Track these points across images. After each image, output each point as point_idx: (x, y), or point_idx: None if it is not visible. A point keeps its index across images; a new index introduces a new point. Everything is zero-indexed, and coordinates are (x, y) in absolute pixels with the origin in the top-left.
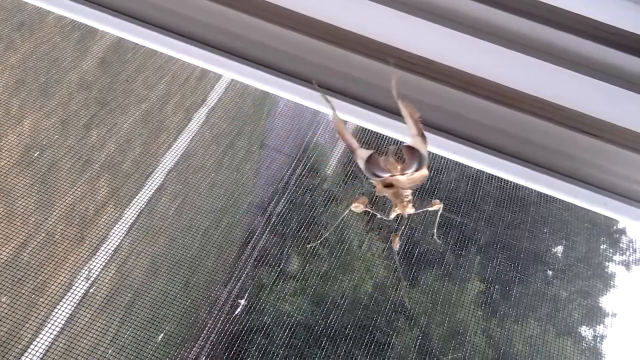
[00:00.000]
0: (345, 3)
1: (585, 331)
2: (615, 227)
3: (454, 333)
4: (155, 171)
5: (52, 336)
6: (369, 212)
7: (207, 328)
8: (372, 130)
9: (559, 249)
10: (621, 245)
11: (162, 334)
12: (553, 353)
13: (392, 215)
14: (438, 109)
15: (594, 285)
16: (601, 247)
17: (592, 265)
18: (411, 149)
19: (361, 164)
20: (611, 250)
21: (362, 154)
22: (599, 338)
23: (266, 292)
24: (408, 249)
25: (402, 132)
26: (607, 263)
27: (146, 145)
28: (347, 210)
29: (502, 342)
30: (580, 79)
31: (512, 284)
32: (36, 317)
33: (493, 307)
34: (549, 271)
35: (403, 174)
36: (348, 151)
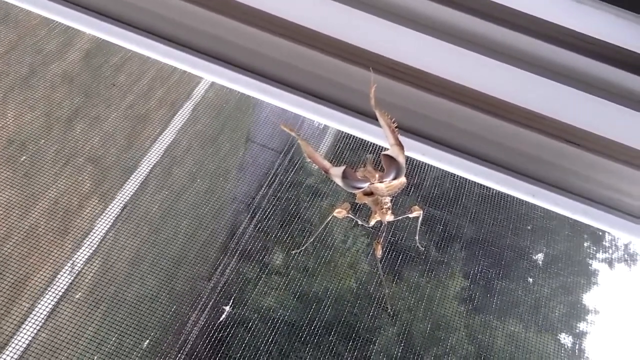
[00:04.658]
0: (328, 9)
1: (568, 328)
2: None
3: (437, 329)
4: (140, 165)
5: (34, 330)
6: (352, 218)
7: (188, 330)
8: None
9: (542, 246)
10: (604, 243)
11: (147, 341)
12: (534, 349)
13: (372, 223)
14: (422, 116)
15: (576, 282)
16: (584, 244)
17: (574, 262)
18: (389, 158)
19: (338, 181)
20: (594, 248)
21: (336, 171)
22: (581, 335)
23: (249, 287)
24: (392, 244)
25: (383, 138)
26: (589, 260)
27: (130, 138)
28: (330, 217)
29: (484, 338)
30: (563, 89)
31: (495, 280)
32: (18, 311)
33: (475, 304)
34: (531, 268)
35: (382, 182)
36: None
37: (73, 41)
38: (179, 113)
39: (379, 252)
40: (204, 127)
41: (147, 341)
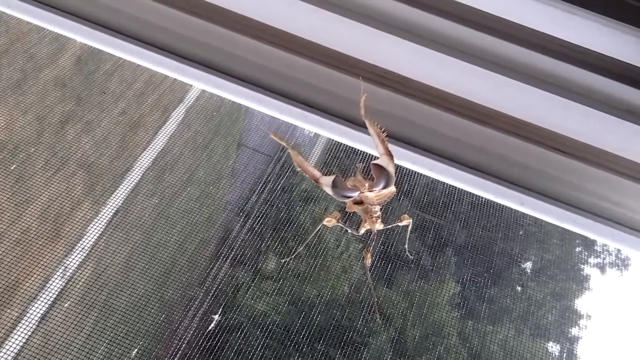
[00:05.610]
0: (317, 18)
1: (560, 333)
2: None
3: (429, 334)
4: (132, 170)
5: (24, 337)
6: (342, 226)
7: (178, 337)
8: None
9: (534, 251)
10: (596, 248)
11: (135, 350)
12: (527, 354)
13: (362, 231)
14: (411, 124)
15: (568, 287)
16: (576, 249)
17: (566, 267)
18: (379, 167)
19: (328, 190)
20: (586, 253)
21: (326, 181)
22: (573, 340)
23: (241, 293)
24: (382, 252)
25: (373, 146)
26: (581, 266)
27: (122, 144)
28: (320, 225)
29: (477, 343)
30: (551, 98)
31: (487, 285)
32: (9, 317)
33: (468, 309)
34: (523, 273)
35: (371, 191)
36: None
37: (65, 47)
38: (171, 119)
39: (369, 261)
40: (195, 133)
41: (136, 350)
